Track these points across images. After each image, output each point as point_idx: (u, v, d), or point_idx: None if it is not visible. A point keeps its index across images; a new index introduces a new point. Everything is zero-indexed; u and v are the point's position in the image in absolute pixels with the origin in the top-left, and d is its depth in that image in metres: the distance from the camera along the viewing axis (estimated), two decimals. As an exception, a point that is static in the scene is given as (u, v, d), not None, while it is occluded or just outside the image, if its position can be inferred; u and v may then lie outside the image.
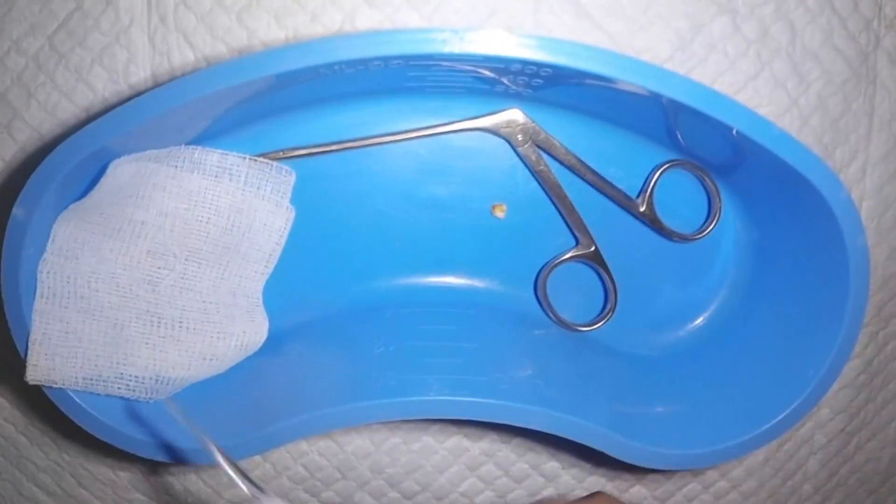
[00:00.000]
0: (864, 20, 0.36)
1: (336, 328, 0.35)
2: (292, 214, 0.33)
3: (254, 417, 0.32)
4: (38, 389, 0.36)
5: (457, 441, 0.38)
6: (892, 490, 0.43)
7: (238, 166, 0.31)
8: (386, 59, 0.27)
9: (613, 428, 0.32)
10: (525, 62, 0.27)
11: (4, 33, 0.34)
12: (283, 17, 0.33)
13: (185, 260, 0.32)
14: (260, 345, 0.33)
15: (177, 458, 0.31)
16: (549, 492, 0.40)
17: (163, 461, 0.31)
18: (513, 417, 0.31)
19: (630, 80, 0.27)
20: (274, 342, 0.34)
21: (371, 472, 0.38)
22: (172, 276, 0.32)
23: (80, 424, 0.31)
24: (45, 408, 0.37)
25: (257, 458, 0.38)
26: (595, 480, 0.40)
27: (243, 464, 0.37)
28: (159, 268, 0.31)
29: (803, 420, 0.38)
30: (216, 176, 0.31)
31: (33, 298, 0.30)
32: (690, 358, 0.38)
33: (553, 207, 0.36)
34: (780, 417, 0.34)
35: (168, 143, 0.31)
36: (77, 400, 0.31)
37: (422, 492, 0.39)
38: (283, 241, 0.33)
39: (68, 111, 0.34)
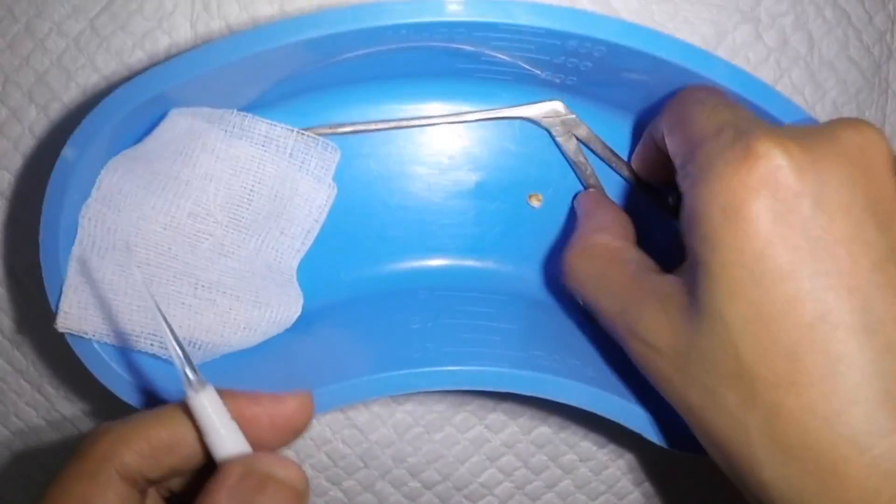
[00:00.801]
0: (878, 33, 0.37)
1: (369, 308, 0.35)
2: (334, 192, 0.33)
3: (285, 387, 0.32)
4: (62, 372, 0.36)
5: (478, 432, 0.39)
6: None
7: (285, 138, 0.32)
8: (451, 27, 0.28)
9: (654, 413, 0.32)
10: (584, 38, 0.28)
11: (45, 14, 0.34)
12: (327, 6, 0.34)
13: (226, 226, 0.32)
14: (293, 320, 0.33)
15: None
16: (566, 483, 0.40)
17: None
18: (553, 392, 0.31)
19: (694, 69, 0.29)
20: (305, 321, 0.34)
21: (393, 461, 0.39)
22: (211, 241, 0.31)
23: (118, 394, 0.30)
24: (67, 392, 0.37)
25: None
26: (611, 473, 0.40)
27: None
28: (199, 231, 0.31)
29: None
30: (263, 145, 0.31)
31: (70, 247, 0.30)
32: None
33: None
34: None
35: (222, 104, 0.31)
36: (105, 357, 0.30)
37: (442, 482, 0.39)
38: (323, 218, 0.33)
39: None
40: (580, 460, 0.40)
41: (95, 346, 0.30)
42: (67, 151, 0.28)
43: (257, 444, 0.23)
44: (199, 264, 0.31)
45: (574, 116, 0.35)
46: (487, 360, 0.31)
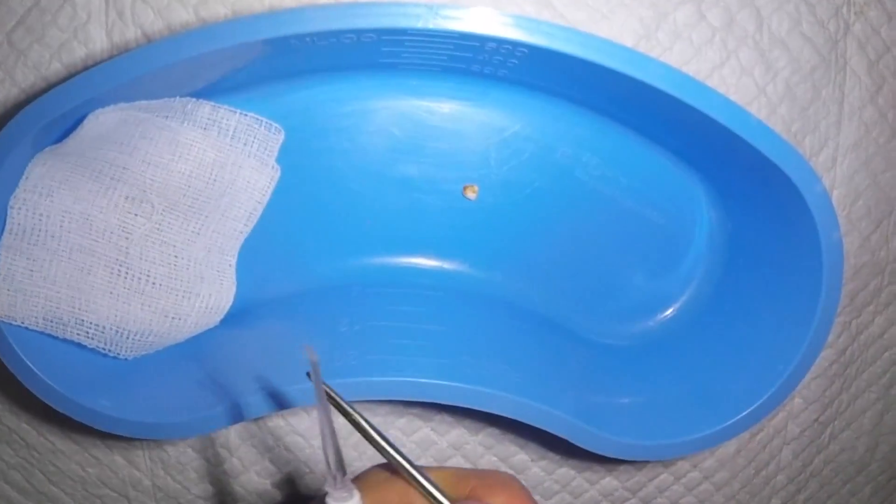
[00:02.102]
0: (833, 7, 0.35)
1: (301, 305, 0.35)
2: (277, 174, 0.33)
3: (214, 393, 0.32)
4: (3, 383, 0.36)
5: (424, 434, 0.38)
6: (867, 479, 0.43)
7: (227, 119, 0.32)
8: (358, 33, 0.27)
9: (580, 417, 0.32)
10: (502, 41, 0.27)
11: (-37, 29, 0.34)
12: (242, 11, 0.33)
13: (163, 211, 0.32)
14: (226, 310, 0.33)
15: (136, 433, 0.31)
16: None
17: (133, 438, 0.31)
18: (478, 402, 0.31)
19: (608, 65, 0.27)
20: (238, 316, 0.34)
21: (339, 466, 0.38)
22: (147, 226, 0.32)
23: (40, 396, 0.30)
24: (12, 405, 0.37)
25: (224, 451, 0.38)
26: (564, 472, 0.40)
27: (198, 440, 0.37)
28: (136, 215, 0.31)
29: (775, 411, 0.38)
30: (205, 128, 0.31)
31: None
32: (661, 348, 0.38)
33: (525, 192, 0.36)
34: (749, 410, 0.33)
35: (158, 96, 0.31)
36: (38, 372, 0.30)
37: (391, 485, 0.39)
38: (266, 200, 0.33)
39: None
40: (531, 460, 0.39)
41: (13, 344, 0.30)
42: None
43: None
44: (131, 251, 0.31)
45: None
46: (409, 369, 0.31)
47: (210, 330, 0.34)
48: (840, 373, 0.40)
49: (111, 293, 0.32)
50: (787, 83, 0.36)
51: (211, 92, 0.32)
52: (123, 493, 0.39)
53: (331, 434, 0.21)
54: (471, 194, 0.35)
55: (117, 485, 0.38)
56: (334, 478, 0.21)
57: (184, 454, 0.37)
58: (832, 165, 0.37)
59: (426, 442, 0.38)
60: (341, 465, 0.21)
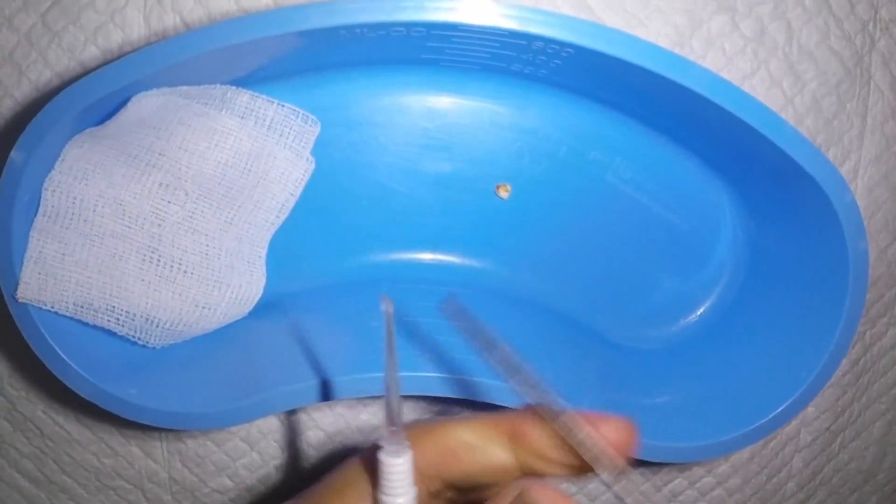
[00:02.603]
0: (860, 22, 0.36)
1: (332, 300, 0.35)
2: (312, 166, 0.33)
3: (242, 384, 0.31)
4: (22, 370, 0.36)
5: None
6: (874, 489, 0.44)
7: (265, 109, 0.31)
8: (409, 26, 0.27)
9: None
10: (550, 41, 0.28)
11: (-4, 8, 0.33)
12: (283, 2, 0.33)
13: (197, 199, 0.31)
14: (255, 301, 0.33)
15: (163, 423, 0.31)
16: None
17: (157, 427, 0.31)
18: (503, 398, 0.31)
19: (654, 70, 0.28)
20: (268, 308, 0.34)
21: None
22: (181, 214, 0.31)
23: (68, 384, 0.30)
24: (29, 392, 0.37)
25: (243, 445, 0.37)
26: (583, 474, 0.40)
27: (218, 433, 0.37)
28: (169, 202, 0.31)
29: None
30: (243, 117, 0.31)
31: (23, 255, 0.30)
32: (683, 352, 0.38)
33: (556, 194, 0.36)
34: (770, 416, 0.34)
35: (199, 82, 0.31)
36: (66, 358, 0.30)
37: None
38: (299, 192, 0.33)
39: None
40: (550, 461, 0.39)
41: (42, 329, 0.30)
42: (15, 155, 0.28)
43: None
44: (164, 238, 0.31)
45: None
46: (440, 365, 0.31)
47: (238, 321, 0.34)
48: (853, 382, 0.41)
49: (142, 280, 0.31)
50: (814, 95, 0.36)
51: (249, 81, 0.32)
52: (138, 485, 0.38)
53: (395, 386, 0.22)
54: (503, 193, 0.35)
55: (133, 476, 0.38)
56: (391, 431, 0.22)
57: (203, 447, 0.37)
58: (853, 178, 0.38)
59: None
60: (400, 419, 0.22)
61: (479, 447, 0.22)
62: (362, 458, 0.24)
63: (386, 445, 0.22)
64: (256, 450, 0.37)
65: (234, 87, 0.31)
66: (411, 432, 0.23)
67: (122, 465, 0.38)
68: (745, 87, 0.36)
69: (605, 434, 0.22)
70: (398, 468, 0.22)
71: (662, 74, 0.28)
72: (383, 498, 0.22)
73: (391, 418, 0.22)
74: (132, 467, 0.38)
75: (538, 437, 0.22)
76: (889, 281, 0.40)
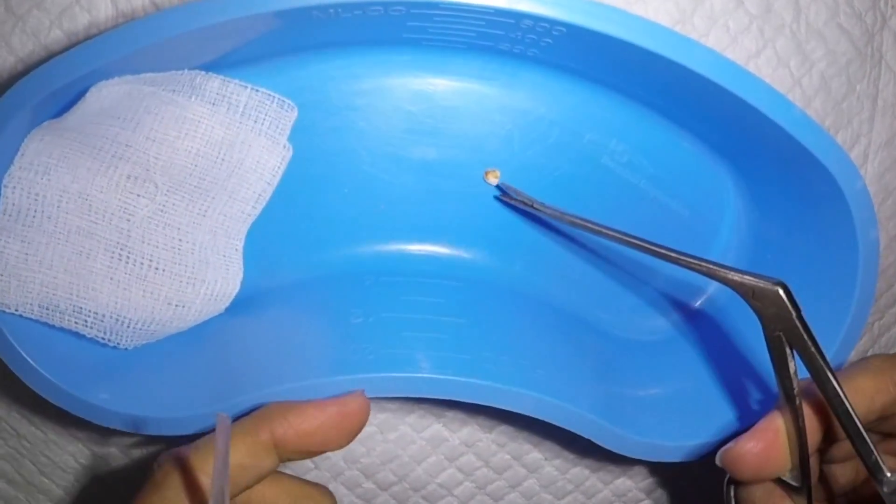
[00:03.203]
0: (871, -2, 0.34)
1: (312, 294, 0.33)
2: (289, 154, 0.31)
3: (220, 386, 0.30)
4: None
5: (435, 431, 0.37)
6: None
7: (238, 95, 0.30)
8: (386, 5, 0.26)
9: (604, 415, 0.31)
10: (539, 19, 0.26)
11: (-44, -10, 0.31)
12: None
13: (167, 191, 0.30)
14: (231, 297, 0.32)
15: (136, 429, 0.30)
16: (530, 483, 0.39)
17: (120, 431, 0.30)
18: (498, 400, 0.30)
19: (652, 49, 0.26)
20: (246, 304, 0.33)
21: (345, 463, 0.37)
22: (151, 208, 0.30)
23: (35, 389, 0.29)
24: (1, 394, 0.35)
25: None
26: (579, 472, 0.39)
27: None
28: (138, 195, 0.29)
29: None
30: (214, 103, 0.29)
31: None
32: (683, 345, 0.37)
33: (548, 179, 0.34)
34: (773, 412, 0.32)
35: (165, 69, 0.29)
36: (33, 363, 0.29)
37: (398, 482, 0.37)
38: (276, 181, 0.31)
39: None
40: (545, 459, 0.38)
41: (6, 333, 0.28)
42: None
43: (326, 447, 0.27)
44: (133, 234, 0.30)
45: (794, 314, 0.26)
46: (429, 365, 0.30)
47: (215, 318, 0.32)
48: (860, 375, 0.40)
49: (111, 279, 0.30)
50: (823, 76, 0.34)
51: (220, 65, 0.30)
52: (113, 486, 0.37)
53: (224, 471, 0.21)
54: (493, 179, 0.33)
55: (108, 477, 0.37)
56: None
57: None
58: (863, 162, 0.36)
59: (437, 438, 0.37)
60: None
61: (251, 466, 0.25)
62: (173, 465, 0.25)
63: None
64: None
65: (203, 73, 0.30)
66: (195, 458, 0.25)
67: (101, 465, 0.36)
68: (751, 68, 0.34)
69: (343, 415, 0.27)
70: None
71: (662, 54, 0.27)
72: None
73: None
74: (110, 468, 0.36)
75: (294, 438, 0.26)
76: (899, 270, 0.38)
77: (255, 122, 0.30)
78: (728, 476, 0.30)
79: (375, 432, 0.36)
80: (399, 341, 0.31)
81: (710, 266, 0.27)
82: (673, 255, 0.28)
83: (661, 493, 0.40)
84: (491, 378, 0.29)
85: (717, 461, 0.28)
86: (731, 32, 0.33)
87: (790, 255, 0.34)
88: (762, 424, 0.28)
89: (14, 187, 0.28)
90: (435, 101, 0.33)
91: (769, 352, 0.27)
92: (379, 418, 0.36)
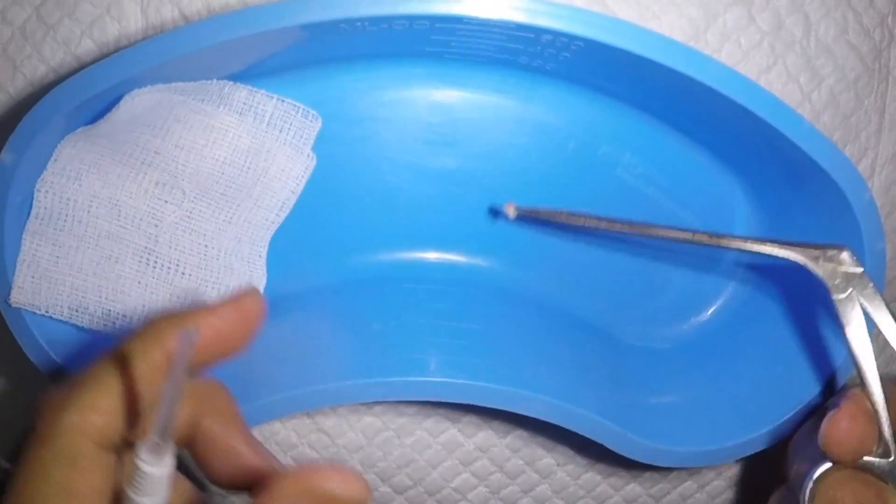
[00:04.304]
0: (879, 16, 0.35)
1: (332, 301, 0.34)
2: (313, 163, 0.32)
3: (240, 388, 0.30)
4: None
5: (451, 436, 0.37)
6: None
7: (264, 104, 0.31)
8: (411, 19, 0.27)
9: (616, 421, 0.32)
10: (559, 34, 0.27)
11: (-11, 1, 0.32)
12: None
13: (194, 199, 0.31)
14: None
15: None
16: (542, 488, 0.39)
17: None
18: (513, 404, 0.30)
19: (668, 64, 0.27)
20: (268, 309, 0.33)
21: (362, 466, 0.37)
22: (178, 214, 0.31)
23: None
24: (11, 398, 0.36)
25: (257, 437, 0.36)
26: (591, 477, 0.39)
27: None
28: (166, 202, 0.30)
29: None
30: (241, 113, 0.30)
31: (16, 258, 0.29)
32: (696, 352, 0.37)
33: (564, 190, 0.35)
34: (784, 419, 0.33)
35: (194, 78, 0.30)
36: (59, 361, 0.29)
37: (413, 486, 0.38)
38: (300, 189, 0.32)
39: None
40: (557, 464, 0.39)
41: (36, 335, 0.29)
42: (5, 156, 0.27)
43: (225, 356, 0.23)
44: (160, 239, 0.31)
45: (861, 271, 0.28)
46: (449, 370, 0.30)
47: None
48: (867, 385, 0.40)
49: (139, 282, 0.31)
50: (832, 91, 0.35)
51: (247, 75, 0.31)
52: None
53: (175, 397, 0.19)
54: (510, 212, 0.33)
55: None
56: (155, 444, 0.19)
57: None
58: (871, 175, 0.37)
59: (452, 443, 0.37)
60: (169, 435, 0.19)
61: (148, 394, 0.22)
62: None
63: (145, 454, 0.19)
64: (257, 453, 0.37)
65: (231, 83, 0.30)
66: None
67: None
68: (762, 83, 0.35)
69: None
70: (154, 476, 0.20)
71: (676, 69, 0.28)
72: (132, 496, 0.20)
73: (160, 431, 0.19)
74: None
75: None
76: (905, 281, 0.39)
77: (281, 131, 0.31)
78: (794, 473, 0.30)
79: (392, 437, 0.37)
80: (417, 346, 0.31)
81: (776, 242, 0.29)
82: (736, 240, 0.29)
83: (670, 499, 0.40)
84: (505, 382, 0.30)
85: (820, 445, 0.28)
86: (743, 48, 0.34)
87: (799, 266, 0.35)
88: (849, 402, 0.28)
89: (46, 191, 0.29)
90: (454, 112, 0.33)
91: (837, 318, 0.28)
92: (397, 423, 0.37)
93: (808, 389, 0.33)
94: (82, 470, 0.20)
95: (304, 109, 0.31)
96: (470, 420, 0.37)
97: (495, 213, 0.35)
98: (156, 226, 0.31)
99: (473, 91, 0.33)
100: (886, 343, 0.29)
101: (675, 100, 0.31)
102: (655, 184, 0.36)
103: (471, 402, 0.30)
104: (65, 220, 0.29)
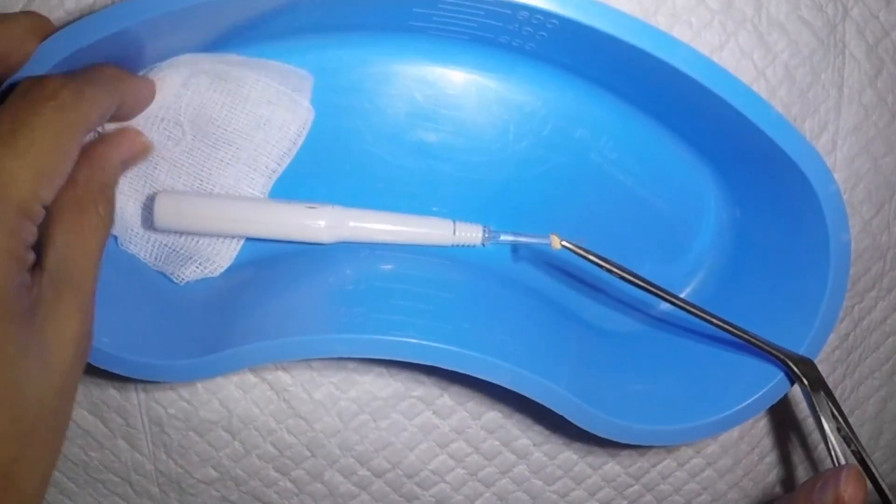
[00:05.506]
0: (830, -10, 0.35)
1: (309, 261, 0.35)
2: (311, 115, 0.33)
3: (213, 337, 0.31)
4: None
5: (426, 418, 0.38)
6: (871, 468, 0.43)
7: (263, 63, 0.33)
8: None
9: (578, 395, 0.32)
10: (533, 10, 0.28)
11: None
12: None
13: (193, 138, 0.32)
14: (236, 251, 0.34)
15: (134, 373, 0.31)
16: (520, 468, 0.40)
17: (129, 378, 0.31)
18: (478, 369, 0.31)
19: (636, 44, 0.28)
20: (245, 267, 0.34)
21: (340, 450, 0.38)
22: (177, 151, 0.32)
23: None
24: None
25: (226, 435, 0.37)
26: (568, 457, 0.39)
27: (200, 422, 0.37)
28: (168, 137, 0.32)
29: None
30: (242, 65, 0.32)
31: None
32: (665, 336, 0.38)
33: (539, 170, 0.36)
34: (751, 399, 0.34)
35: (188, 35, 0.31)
36: None
37: (392, 469, 0.39)
38: (300, 140, 0.33)
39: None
40: (534, 444, 0.39)
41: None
42: None
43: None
44: (160, 167, 0.33)
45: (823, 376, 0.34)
46: (412, 330, 0.31)
47: (215, 278, 0.34)
48: (843, 358, 0.40)
49: (134, 201, 0.33)
50: (787, 66, 0.36)
51: (238, 41, 0.32)
52: (126, 478, 0.38)
53: None
54: (555, 244, 0.32)
55: (120, 469, 0.38)
56: None
57: (186, 437, 0.37)
58: (832, 149, 0.37)
59: (428, 426, 0.38)
60: None
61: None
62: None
63: None
64: (238, 439, 0.38)
65: (235, 55, 0.32)
66: None
67: (109, 458, 0.38)
68: (715, 61, 0.35)
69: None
70: None
71: (647, 51, 0.29)
72: None
73: None
74: (118, 460, 0.38)
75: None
76: (875, 254, 0.39)
77: (280, 84, 0.33)
78: None
79: (368, 420, 0.38)
80: (387, 308, 0.32)
81: (767, 343, 0.33)
82: (737, 332, 0.33)
83: (649, 478, 0.41)
84: (472, 348, 0.31)
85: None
86: (694, 28, 0.35)
87: (768, 253, 0.35)
88: (850, 472, 0.31)
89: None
90: (437, 88, 0.35)
91: (812, 410, 0.34)
92: (372, 406, 0.38)
93: (774, 371, 0.34)
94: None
95: (294, 69, 0.33)
96: (444, 402, 0.38)
97: (473, 187, 0.36)
98: (155, 167, 0.32)
99: (456, 68, 0.35)
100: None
101: (647, 83, 0.32)
102: (628, 170, 0.36)
103: (436, 365, 0.31)
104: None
